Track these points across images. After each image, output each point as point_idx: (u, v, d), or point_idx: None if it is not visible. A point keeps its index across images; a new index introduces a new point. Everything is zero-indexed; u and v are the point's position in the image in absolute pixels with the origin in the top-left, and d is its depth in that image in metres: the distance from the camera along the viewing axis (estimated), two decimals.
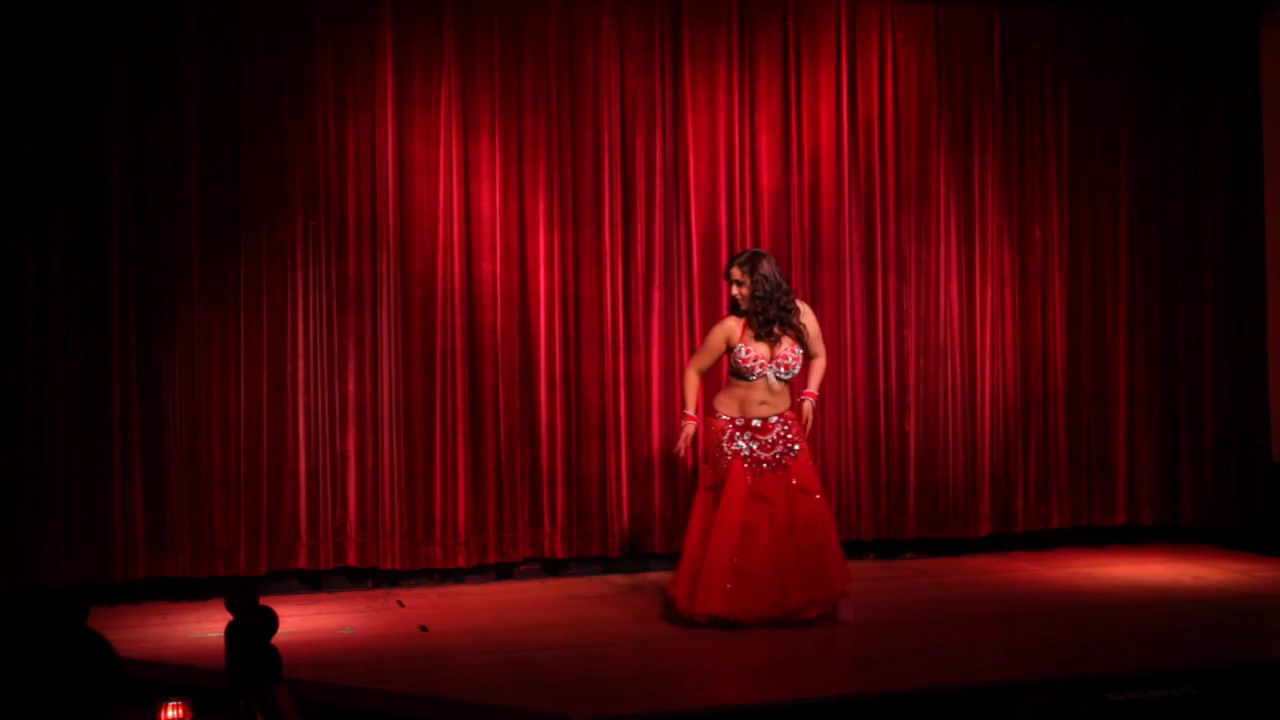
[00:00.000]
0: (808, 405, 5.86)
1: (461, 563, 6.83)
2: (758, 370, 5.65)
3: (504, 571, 6.95)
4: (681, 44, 7.19)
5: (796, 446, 5.67)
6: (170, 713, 3.99)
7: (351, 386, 6.72)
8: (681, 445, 5.88)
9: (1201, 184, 7.80)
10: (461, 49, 6.90)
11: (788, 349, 5.68)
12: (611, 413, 7.04)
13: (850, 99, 7.40)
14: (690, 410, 5.88)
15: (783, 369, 5.68)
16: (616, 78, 7.11)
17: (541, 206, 6.98)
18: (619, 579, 6.96)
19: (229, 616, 3.99)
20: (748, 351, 5.66)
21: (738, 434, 5.63)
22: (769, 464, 5.62)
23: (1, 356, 6.26)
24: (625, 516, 7.04)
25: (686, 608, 5.62)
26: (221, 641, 4.03)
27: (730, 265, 5.84)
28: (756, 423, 5.64)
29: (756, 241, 7.21)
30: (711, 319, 7.04)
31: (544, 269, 6.97)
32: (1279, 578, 6.76)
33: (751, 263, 5.73)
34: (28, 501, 6.25)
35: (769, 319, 5.67)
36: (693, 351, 7.03)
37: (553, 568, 7.04)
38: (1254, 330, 7.82)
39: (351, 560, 6.72)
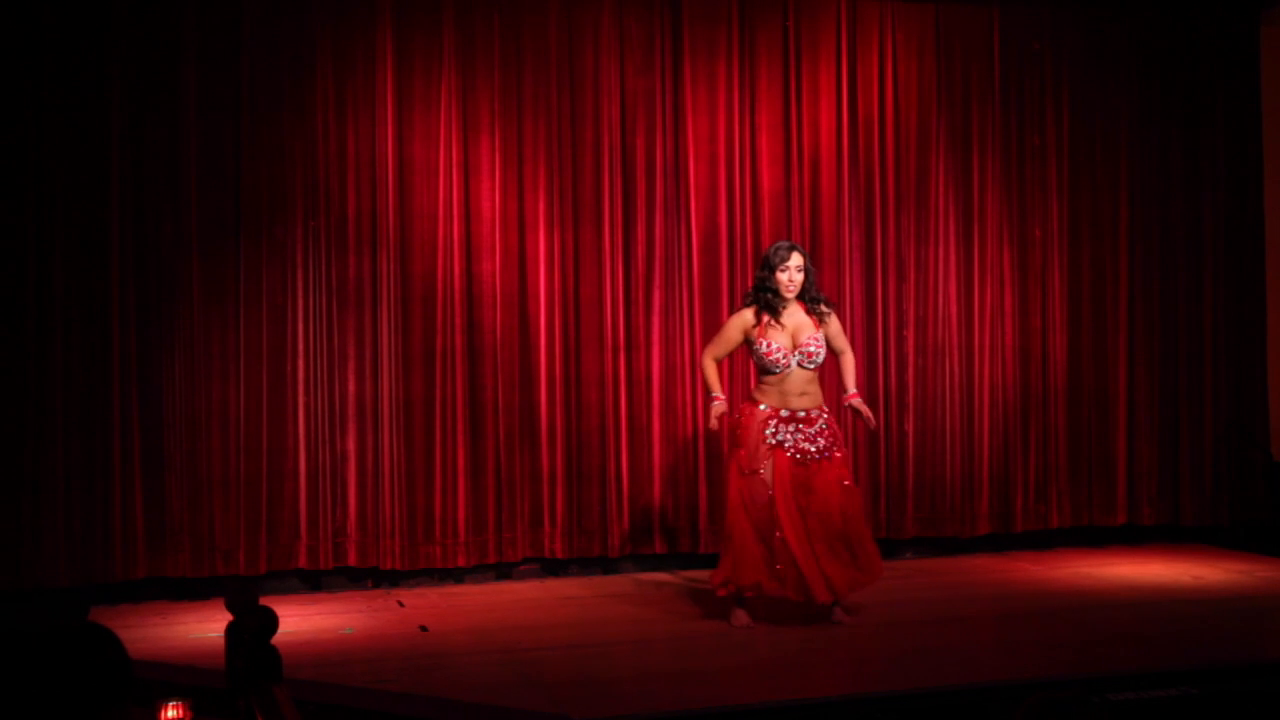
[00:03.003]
0: (859, 403, 5.91)
1: (461, 563, 6.83)
2: (783, 361, 5.62)
3: (504, 572, 6.95)
4: (681, 44, 7.19)
5: (836, 447, 5.66)
6: (170, 713, 3.98)
7: (351, 386, 6.73)
8: (714, 421, 5.75)
9: (1201, 184, 7.80)
10: (461, 49, 6.90)
11: (809, 337, 5.66)
12: (612, 413, 7.03)
13: (850, 99, 7.41)
14: (716, 392, 5.79)
15: (806, 357, 5.64)
16: (616, 78, 7.11)
17: (541, 206, 6.98)
18: (619, 579, 6.95)
19: (229, 616, 3.99)
20: (769, 345, 5.62)
21: (782, 425, 5.59)
22: (815, 456, 5.59)
23: (1, 356, 6.26)
24: (626, 517, 7.03)
25: (734, 589, 5.63)
26: (221, 641, 4.03)
27: (793, 251, 5.70)
28: (801, 413, 5.62)
29: (757, 242, 7.22)
30: (712, 318, 7.05)
31: (544, 269, 6.97)
32: (1279, 578, 6.76)
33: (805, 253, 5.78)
34: (27, 501, 6.24)
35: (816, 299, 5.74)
36: (693, 350, 7.06)
37: (553, 568, 7.04)
38: (1254, 330, 7.82)
39: (351, 560, 6.72)
